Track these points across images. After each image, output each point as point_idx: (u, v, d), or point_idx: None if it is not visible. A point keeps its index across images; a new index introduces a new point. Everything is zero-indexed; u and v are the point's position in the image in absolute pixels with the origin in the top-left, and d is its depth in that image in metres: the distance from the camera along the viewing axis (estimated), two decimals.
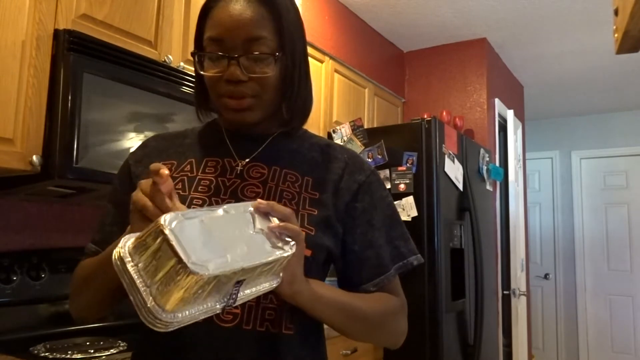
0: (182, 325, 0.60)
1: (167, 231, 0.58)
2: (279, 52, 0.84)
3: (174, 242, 0.57)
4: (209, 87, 0.86)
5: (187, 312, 0.60)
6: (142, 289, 0.59)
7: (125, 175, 0.93)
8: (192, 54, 0.87)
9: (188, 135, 0.96)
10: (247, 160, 0.89)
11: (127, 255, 0.61)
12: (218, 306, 0.64)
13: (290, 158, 0.91)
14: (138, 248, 0.61)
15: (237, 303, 0.65)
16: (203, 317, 0.63)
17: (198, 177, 0.87)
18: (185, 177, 0.88)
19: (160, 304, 0.58)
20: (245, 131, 0.91)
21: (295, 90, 0.88)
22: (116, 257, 0.61)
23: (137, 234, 0.62)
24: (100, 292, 0.83)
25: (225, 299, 0.64)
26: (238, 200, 0.84)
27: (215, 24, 0.83)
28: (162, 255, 0.58)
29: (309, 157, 0.92)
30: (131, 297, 0.60)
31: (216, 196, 0.85)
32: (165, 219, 0.59)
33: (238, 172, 0.87)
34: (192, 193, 0.85)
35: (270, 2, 0.84)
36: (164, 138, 0.97)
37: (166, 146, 0.94)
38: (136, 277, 0.59)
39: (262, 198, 0.83)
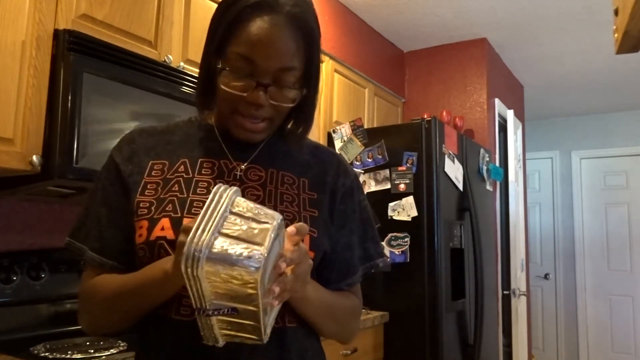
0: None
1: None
2: (304, 84, 0.84)
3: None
4: (223, 100, 0.84)
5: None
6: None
7: (115, 176, 0.88)
8: (218, 67, 0.82)
9: (175, 132, 0.93)
10: (246, 163, 0.88)
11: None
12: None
13: (285, 160, 0.92)
14: None
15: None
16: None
17: (195, 178, 0.86)
18: (181, 179, 0.86)
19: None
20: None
21: (307, 112, 0.91)
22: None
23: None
24: (136, 312, 0.82)
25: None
26: None
27: (249, 42, 0.79)
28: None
29: (301, 159, 0.94)
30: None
31: None
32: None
33: (237, 176, 0.87)
34: (191, 195, 0.83)
35: (307, 28, 0.82)
36: (150, 134, 0.93)
37: (154, 143, 0.91)
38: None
39: (262, 201, 0.85)
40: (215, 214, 0.65)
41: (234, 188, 0.70)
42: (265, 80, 0.80)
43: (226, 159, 0.88)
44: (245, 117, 0.83)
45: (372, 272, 0.97)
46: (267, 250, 0.63)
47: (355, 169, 2.73)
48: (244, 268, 0.62)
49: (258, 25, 0.79)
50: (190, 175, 0.86)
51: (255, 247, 0.63)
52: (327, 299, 0.88)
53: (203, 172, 0.87)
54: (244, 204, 0.67)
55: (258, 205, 0.68)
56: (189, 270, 0.62)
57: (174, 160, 0.88)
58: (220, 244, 0.63)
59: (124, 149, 0.91)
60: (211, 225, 0.64)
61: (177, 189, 0.84)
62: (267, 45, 0.78)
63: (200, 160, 0.88)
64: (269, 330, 0.72)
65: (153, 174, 0.87)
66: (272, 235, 0.64)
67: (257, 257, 0.62)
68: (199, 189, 0.84)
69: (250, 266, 0.62)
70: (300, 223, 0.73)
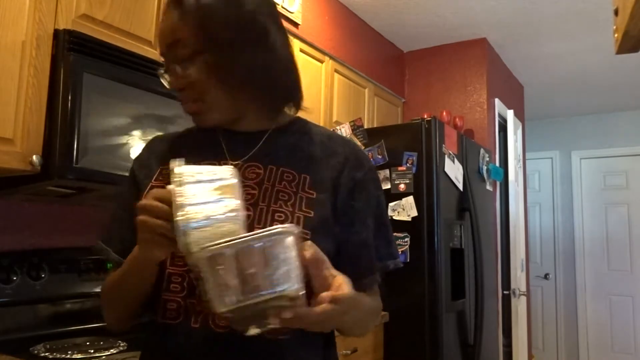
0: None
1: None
2: (202, 49, 0.81)
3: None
4: None
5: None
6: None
7: (131, 181, 0.93)
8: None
9: (188, 137, 0.96)
10: (240, 161, 0.87)
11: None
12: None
13: (288, 155, 0.88)
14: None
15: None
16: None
17: None
18: None
19: None
20: (238, 129, 0.90)
21: (260, 82, 0.85)
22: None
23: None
24: (128, 301, 0.87)
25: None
26: None
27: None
28: None
29: (308, 152, 0.89)
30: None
31: None
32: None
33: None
34: None
35: (188, 3, 0.82)
36: (166, 140, 0.96)
37: (168, 149, 0.93)
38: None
39: (257, 200, 0.83)
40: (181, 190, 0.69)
41: (176, 161, 0.73)
42: (166, 63, 0.85)
43: (225, 159, 0.88)
44: (183, 104, 0.87)
45: (384, 273, 0.92)
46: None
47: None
48: (229, 222, 0.66)
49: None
50: None
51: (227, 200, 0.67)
52: (360, 306, 0.82)
53: None
54: (189, 170, 0.70)
55: (201, 167, 0.72)
56: (192, 254, 0.64)
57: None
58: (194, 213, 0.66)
59: (142, 155, 0.96)
60: (182, 202, 0.67)
61: None
62: (159, 32, 0.86)
63: (202, 163, 0.88)
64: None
65: (160, 178, 0.89)
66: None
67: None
68: None
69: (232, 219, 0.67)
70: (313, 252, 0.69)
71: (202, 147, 0.91)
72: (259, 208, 0.82)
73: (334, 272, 0.71)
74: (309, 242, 0.70)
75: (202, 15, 0.81)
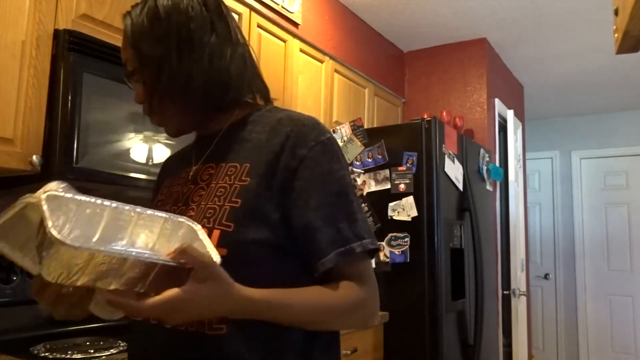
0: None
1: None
2: (139, 67, 0.87)
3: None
4: None
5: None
6: None
7: (153, 196, 1.03)
8: None
9: (185, 149, 1.02)
10: (198, 164, 0.90)
11: None
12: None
13: (238, 148, 0.86)
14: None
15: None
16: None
17: (173, 190, 0.93)
18: (170, 192, 0.94)
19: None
20: (207, 132, 0.92)
21: (198, 84, 0.85)
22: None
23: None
24: None
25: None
26: (189, 207, 0.85)
27: None
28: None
29: (256, 140, 0.85)
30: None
31: (175, 205, 0.88)
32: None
33: (192, 178, 0.90)
34: (166, 207, 0.90)
35: (125, 26, 0.89)
36: (172, 157, 1.06)
37: (175, 162, 1.02)
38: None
39: (203, 200, 0.83)
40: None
41: None
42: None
43: (191, 165, 0.93)
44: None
45: (357, 256, 0.80)
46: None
47: (350, 160, 2.74)
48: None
49: None
50: (172, 188, 0.94)
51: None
52: (273, 306, 0.74)
53: (180, 181, 0.92)
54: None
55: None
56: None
57: (171, 177, 0.97)
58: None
59: (158, 174, 1.06)
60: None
61: (168, 202, 0.92)
62: None
63: (182, 170, 0.94)
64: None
65: (164, 191, 0.96)
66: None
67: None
68: (172, 199, 0.91)
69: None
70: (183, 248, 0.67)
71: (184, 157, 0.97)
72: (200, 207, 0.83)
73: (192, 278, 0.66)
74: (203, 236, 0.72)
75: (133, 35, 0.87)
